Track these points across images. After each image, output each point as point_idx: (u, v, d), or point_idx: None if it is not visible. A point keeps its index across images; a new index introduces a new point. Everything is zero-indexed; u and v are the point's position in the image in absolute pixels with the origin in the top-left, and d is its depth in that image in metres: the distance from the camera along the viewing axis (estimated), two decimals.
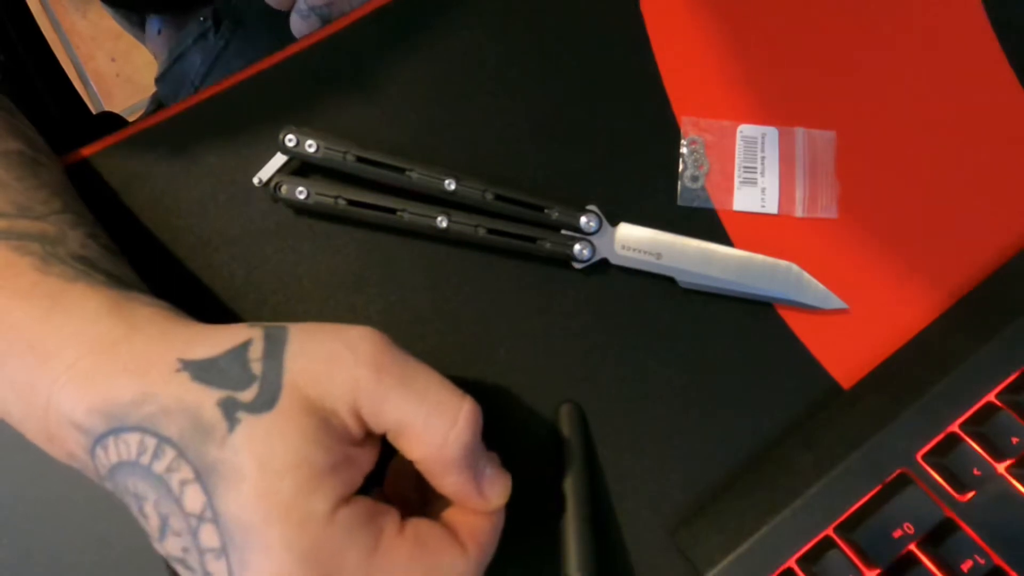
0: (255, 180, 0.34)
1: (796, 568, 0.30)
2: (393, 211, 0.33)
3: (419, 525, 0.25)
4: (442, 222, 0.33)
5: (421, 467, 0.26)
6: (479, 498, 0.26)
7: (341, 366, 0.25)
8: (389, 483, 0.30)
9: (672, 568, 0.32)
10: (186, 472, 0.23)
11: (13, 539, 0.32)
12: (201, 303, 0.34)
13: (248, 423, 0.23)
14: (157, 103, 0.63)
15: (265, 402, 0.24)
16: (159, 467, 0.23)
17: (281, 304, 0.34)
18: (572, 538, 0.30)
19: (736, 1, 0.37)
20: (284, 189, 0.33)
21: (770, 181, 0.35)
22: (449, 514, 0.27)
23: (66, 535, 0.32)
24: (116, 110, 0.76)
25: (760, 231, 0.35)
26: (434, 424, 0.25)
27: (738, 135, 0.36)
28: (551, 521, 0.31)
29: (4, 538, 0.32)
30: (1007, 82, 0.36)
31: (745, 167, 0.35)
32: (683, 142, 0.36)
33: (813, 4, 0.37)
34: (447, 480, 0.26)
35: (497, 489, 0.27)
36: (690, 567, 0.31)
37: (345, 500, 0.24)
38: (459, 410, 0.25)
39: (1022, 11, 0.37)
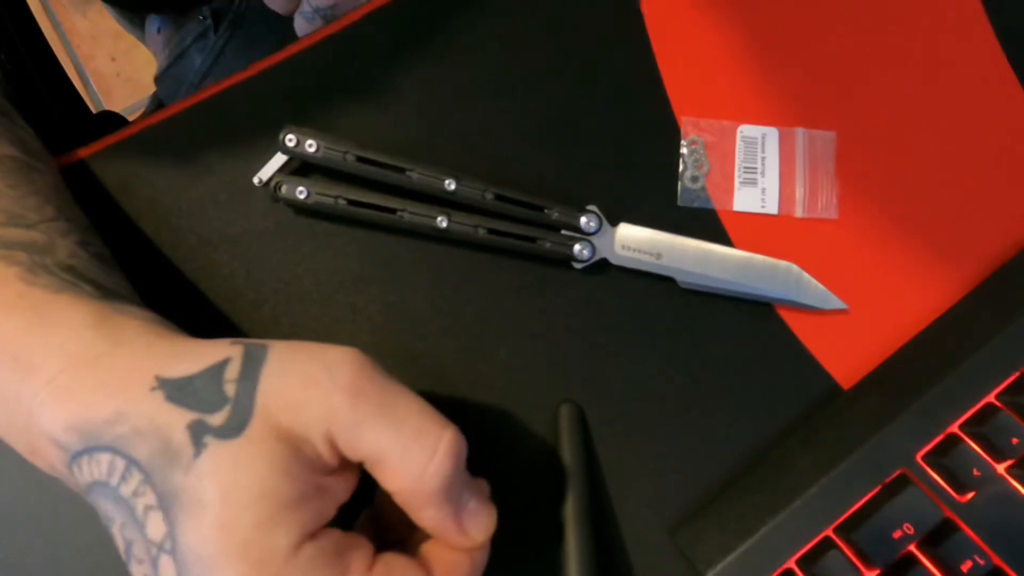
0: (255, 180, 0.34)
1: (796, 568, 0.30)
2: (393, 211, 0.33)
3: (391, 562, 0.24)
4: (442, 222, 0.33)
5: (398, 499, 0.25)
6: (459, 534, 0.25)
7: (317, 391, 0.23)
8: (379, 504, 0.29)
9: (672, 568, 0.32)
10: (150, 498, 0.22)
11: (13, 540, 0.32)
12: (201, 303, 0.34)
13: (215, 449, 0.22)
14: (157, 102, 0.63)
15: (234, 427, 0.23)
16: (126, 490, 0.23)
17: (281, 304, 0.34)
18: (572, 538, 0.30)
19: (736, 2, 0.37)
20: (284, 189, 0.33)
21: (770, 181, 0.35)
22: (428, 548, 0.26)
23: (66, 535, 0.32)
24: (116, 110, 0.76)
25: (760, 231, 0.35)
26: (412, 455, 0.24)
27: (738, 135, 0.36)
28: (551, 522, 0.31)
29: (3, 538, 0.32)
30: (1007, 82, 0.36)
31: (745, 167, 0.35)
32: (683, 142, 0.36)
33: (814, 5, 0.37)
34: (425, 514, 0.25)
35: (479, 525, 0.25)
36: (690, 567, 0.31)
37: (311, 534, 0.23)
38: (439, 441, 0.24)
39: (1022, 12, 0.37)
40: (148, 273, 0.32)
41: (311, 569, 0.22)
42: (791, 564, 0.30)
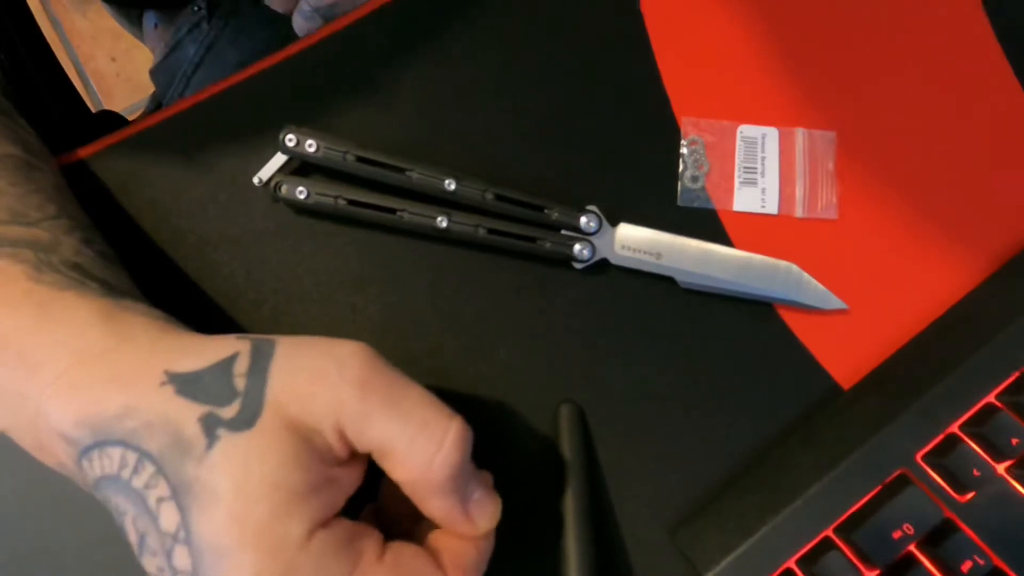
0: (255, 180, 0.34)
1: (796, 569, 0.30)
2: (393, 211, 0.33)
3: (400, 550, 0.25)
4: (442, 222, 0.33)
5: (406, 489, 0.25)
6: (465, 523, 0.26)
7: (326, 384, 0.24)
8: (382, 498, 0.29)
9: (672, 568, 0.32)
10: (163, 489, 0.23)
11: (13, 539, 0.32)
12: (201, 303, 0.34)
13: (227, 441, 0.23)
14: (157, 102, 0.63)
15: (246, 419, 0.23)
16: (138, 483, 0.23)
17: (281, 304, 0.34)
18: (572, 538, 0.30)
19: (736, 2, 0.37)
20: (284, 189, 0.33)
21: (770, 181, 0.35)
22: (435, 537, 0.26)
23: (66, 535, 0.32)
24: (116, 110, 0.76)
25: (760, 231, 0.35)
26: (419, 446, 0.24)
27: (738, 135, 0.36)
28: (550, 522, 0.31)
29: (3, 538, 0.32)
30: (1007, 82, 0.36)
31: (745, 167, 0.35)
32: (683, 142, 0.36)
33: (814, 5, 0.37)
34: (432, 504, 0.25)
35: (485, 514, 0.26)
36: (690, 567, 0.31)
37: (323, 524, 0.23)
38: (446, 431, 0.24)
39: (1022, 12, 0.37)
40: (148, 273, 0.32)
41: (324, 557, 0.23)
42: (791, 564, 0.30)
